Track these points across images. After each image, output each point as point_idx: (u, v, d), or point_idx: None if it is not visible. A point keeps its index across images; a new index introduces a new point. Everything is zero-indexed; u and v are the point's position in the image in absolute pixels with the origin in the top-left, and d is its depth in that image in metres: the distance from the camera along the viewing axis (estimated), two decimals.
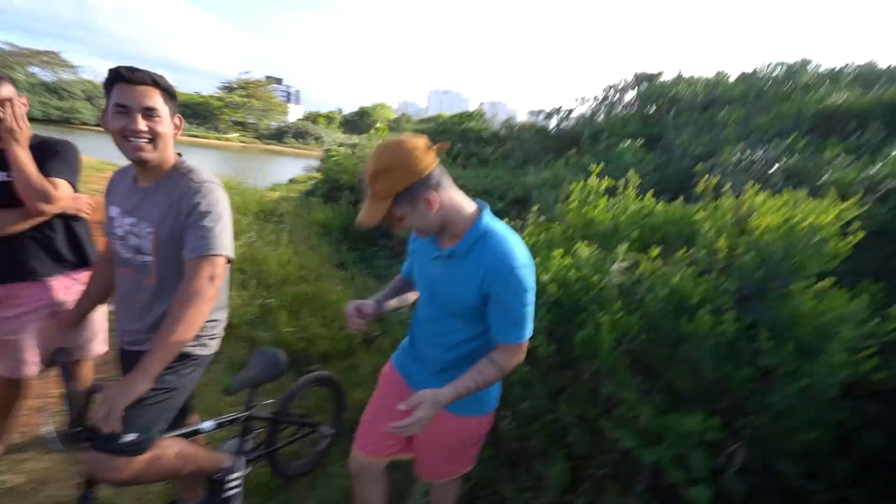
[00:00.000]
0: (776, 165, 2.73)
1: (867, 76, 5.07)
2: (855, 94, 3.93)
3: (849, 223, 1.62)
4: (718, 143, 4.06)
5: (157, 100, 1.24)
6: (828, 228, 1.58)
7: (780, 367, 1.41)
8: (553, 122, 7.71)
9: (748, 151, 3.10)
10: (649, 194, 2.26)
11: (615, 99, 7.50)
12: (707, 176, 2.07)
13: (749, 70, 6.78)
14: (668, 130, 5.13)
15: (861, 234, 1.56)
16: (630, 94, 7.39)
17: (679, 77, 7.16)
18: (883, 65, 5.42)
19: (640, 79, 7.49)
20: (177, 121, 1.33)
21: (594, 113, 7.46)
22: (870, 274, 1.82)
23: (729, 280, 1.57)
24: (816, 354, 1.39)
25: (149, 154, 1.25)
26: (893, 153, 2.45)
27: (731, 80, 6.69)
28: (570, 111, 7.66)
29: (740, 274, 1.57)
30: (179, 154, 1.39)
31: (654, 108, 6.51)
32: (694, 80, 6.90)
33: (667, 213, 2.10)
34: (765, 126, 4.07)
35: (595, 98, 7.65)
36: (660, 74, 7.56)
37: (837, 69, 5.69)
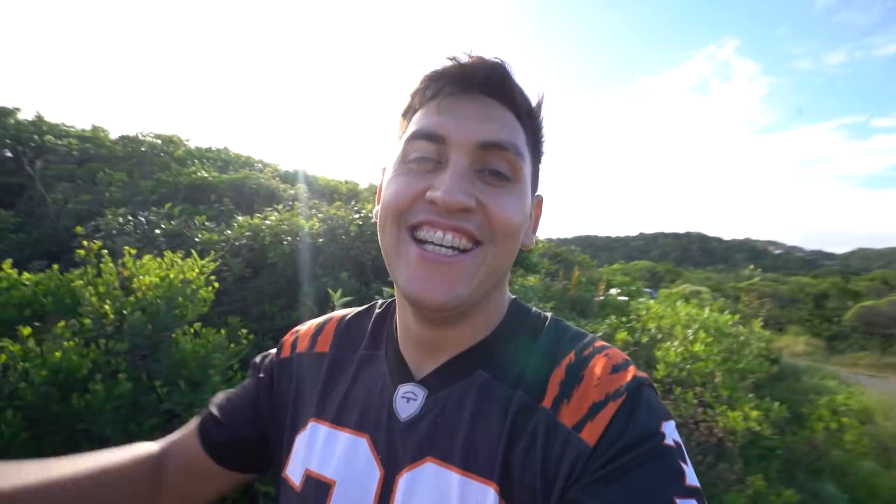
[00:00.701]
0: (158, 229, 3.02)
1: (223, 159, 6.28)
2: (213, 173, 4.78)
3: (214, 273, 1.99)
4: (101, 204, 3.87)
5: None
6: (196, 281, 1.89)
7: (179, 406, 1.57)
8: None
9: (131, 215, 3.24)
10: (8, 262, 1.84)
11: None
12: (89, 239, 1.96)
13: (129, 133, 6.30)
14: (34, 183, 4.40)
15: (216, 284, 1.98)
16: None
17: (41, 120, 5.82)
18: (234, 151, 6.75)
19: None
20: None
21: None
22: (236, 311, 2.38)
23: (120, 342, 1.60)
24: (203, 384, 1.63)
25: None
26: (239, 219, 3.19)
27: (111, 137, 6.13)
28: None
29: (131, 333, 1.65)
30: None
31: (7, 151, 5.02)
32: (61, 127, 5.92)
33: (39, 285, 1.83)
34: (148, 190, 4.29)
35: None
36: (17, 111, 5.77)
37: (203, 149, 6.43)
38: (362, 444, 0.52)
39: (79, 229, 2.77)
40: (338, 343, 0.63)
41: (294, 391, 0.61)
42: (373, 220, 0.75)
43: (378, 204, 0.54)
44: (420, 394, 0.53)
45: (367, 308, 0.68)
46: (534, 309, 0.58)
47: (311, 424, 0.57)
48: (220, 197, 4.26)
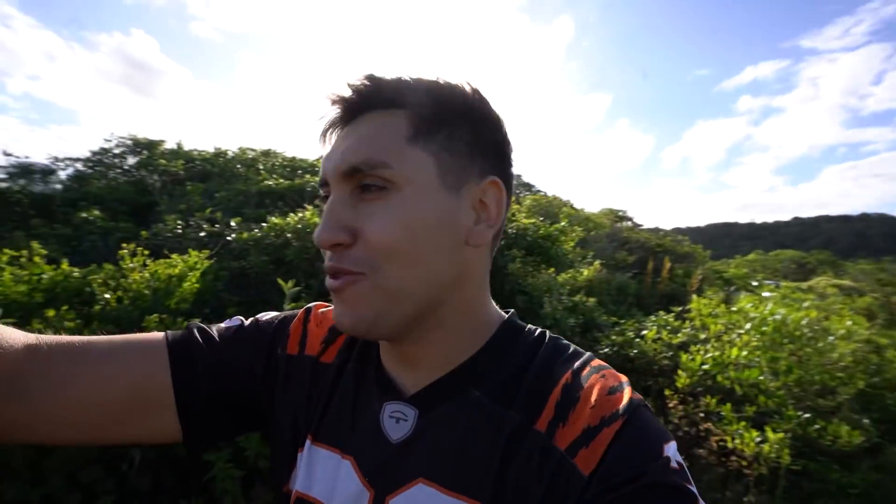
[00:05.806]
0: (203, 232, 3.61)
1: (293, 165, 7.10)
2: (279, 181, 5.51)
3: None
4: (191, 213, 4.47)
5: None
6: (191, 276, 2.32)
7: None
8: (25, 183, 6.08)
9: (181, 220, 3.85)
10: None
11: (112, 163, 7.11)
12: (134, 245, 2.39)
13: (229, 148, 7.78)
14: (160, 199, 5.51)
15: (198, 277, 2.39)
16: (131, 160, 7.15)
17: (180, 147, 7.54)
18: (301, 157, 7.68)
19: (139, 145, 7.31)
20: None
21: (82, 176, 6.75)
22: (257, 304, 2.70)
23: (110, 324, 1.96)
24: None
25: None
26: (272, 220, 3.48)
27: (230, 156, 7.47)
28: (52, 172, 6.54)
29: (116, 316, 2.03)
30: None
31: (152, 176, 6.31)
32: (192, 153, 7.33)
33: (90, 275, 2.26)
34: (225, 199, 5.08)
35: (87, 160, 7.06)
36: (161, 143, 7.52)
37: (290, 157, 7.49)
38: (346, 465, 0.51)
39: (144, 234, 3.45)
40: (341, 354, 0.59)
41: (305, 399, 0.57)
42: None
43: None
44: (410, 413, 0.51)
45: None
46: (528, 327, 0.56)
47: (308, 443, 0.55)
48: (287, 200, 4.82)
